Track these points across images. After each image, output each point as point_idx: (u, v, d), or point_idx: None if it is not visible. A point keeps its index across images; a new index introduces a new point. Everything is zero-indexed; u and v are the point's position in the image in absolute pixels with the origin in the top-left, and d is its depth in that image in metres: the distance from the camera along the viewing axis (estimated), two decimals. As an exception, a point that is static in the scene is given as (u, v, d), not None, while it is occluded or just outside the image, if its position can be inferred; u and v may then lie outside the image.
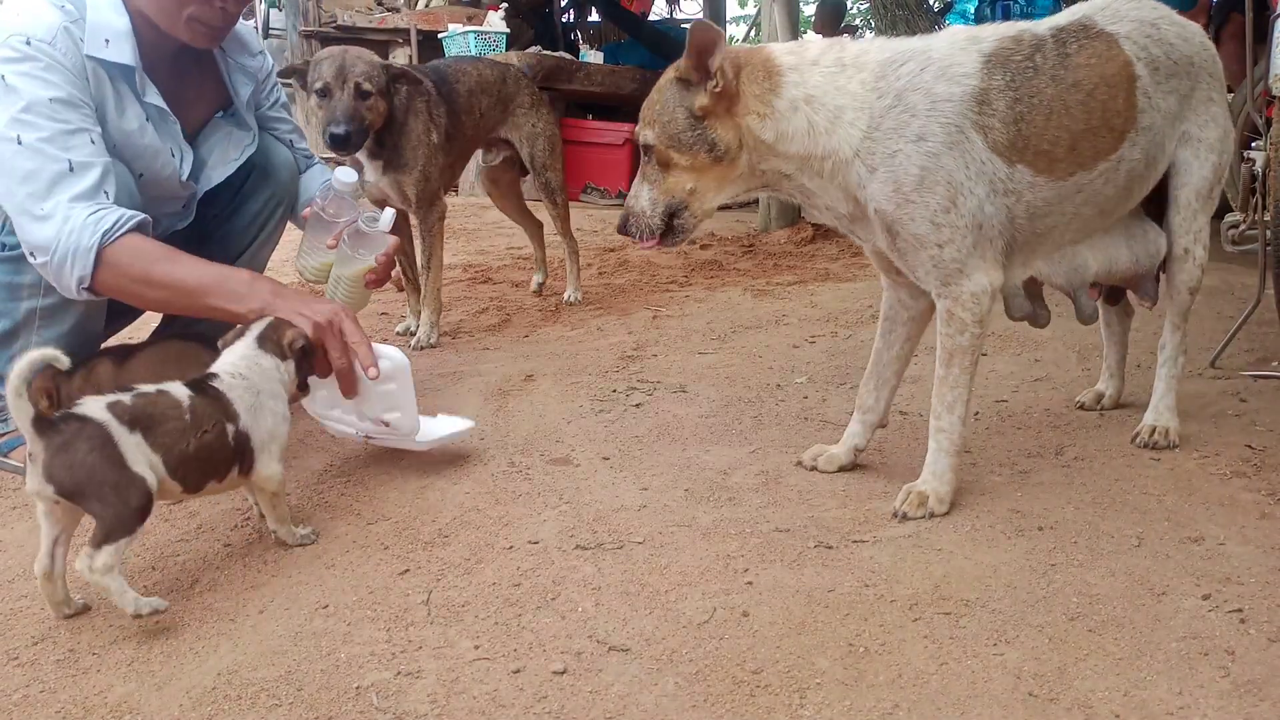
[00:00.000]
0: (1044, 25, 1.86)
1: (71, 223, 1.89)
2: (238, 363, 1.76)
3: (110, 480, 1.48)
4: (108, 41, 2.03)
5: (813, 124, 1.73)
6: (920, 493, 1.84)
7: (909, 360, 2.11)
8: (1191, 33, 1.98)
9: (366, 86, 2.90)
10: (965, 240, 1.75)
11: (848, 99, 1.73)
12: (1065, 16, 1.90)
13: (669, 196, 1.80)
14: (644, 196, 1.82)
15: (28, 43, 1.93)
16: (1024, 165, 1.77)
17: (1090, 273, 2.05)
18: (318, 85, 2.91)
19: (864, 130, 1.73)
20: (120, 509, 1.47)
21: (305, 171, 2.62)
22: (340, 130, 2.87)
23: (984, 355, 2.91)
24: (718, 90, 1.72)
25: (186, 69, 2.22)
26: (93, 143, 1.97)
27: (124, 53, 2.05)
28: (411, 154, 3.15)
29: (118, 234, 1.91)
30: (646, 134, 1.79)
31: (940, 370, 1.86)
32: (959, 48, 1.78)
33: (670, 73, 1.78)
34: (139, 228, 1.95)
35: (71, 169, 1.92)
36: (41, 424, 1.46)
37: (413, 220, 3.33)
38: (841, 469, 2.08)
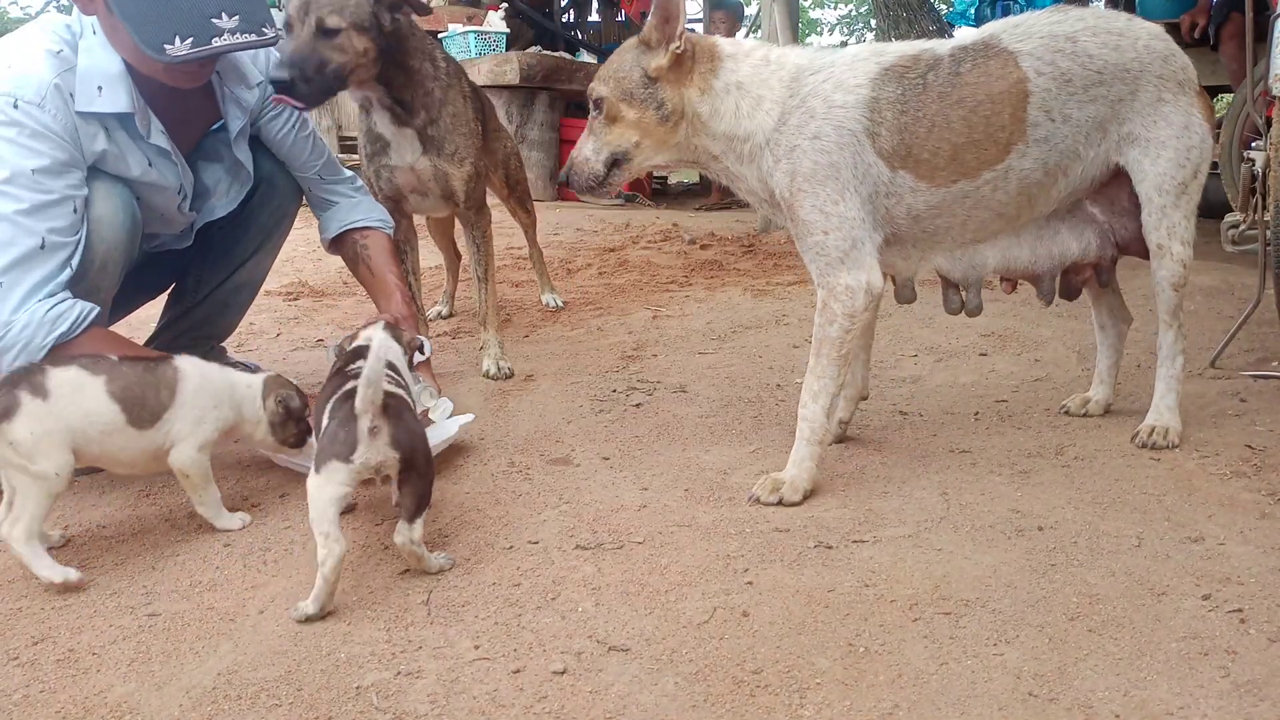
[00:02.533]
0: (947, 44, 2.02)
1: (28, 316, 1.88)
2: None
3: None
4: (100, 89, 1.99)
5: (739, 107, 1.95)
6: (775, 479, 1.94)
7: (872, 335, 2.29)
8: (1127, 40, 2.02)
9: (332, 21, 2.31)
10: (850, 232, 1.92)
11: (768, 91, 1.95)
12: (974, 34, 2.05)
13: (612, 147, 1.98)
14: (588, 147, 2.00)
15: (15, 105, 1.90)
16: (906, 171, 1.95)
17: (987, 269, 2.16)
18: (282, 23, 2.33)
19: (775, 121, 1.94)
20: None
21: (330, 209, 2.54)
22: (281, 74, 2.26)
23: (983, 355, 2.91)
24: (678, 52, 1.91)
25: (191, 91, 2.15)
26: (75, 211, 1.95)
27: (119, 99, 2.01)
28: (458, 138, 2.71)
29: (73, 335, 1.91)
30: (600, 89, 1.97)
31: (810, 360, 1.98)
32: (859, 61, 1.98)
33: (633, 39, 1.98)
34: (96, 322, 1.95)
35: (43, 246, 1.90)
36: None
37: (416, 220, 3.14)
38: (835, 441, 2.22)
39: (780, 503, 1.90)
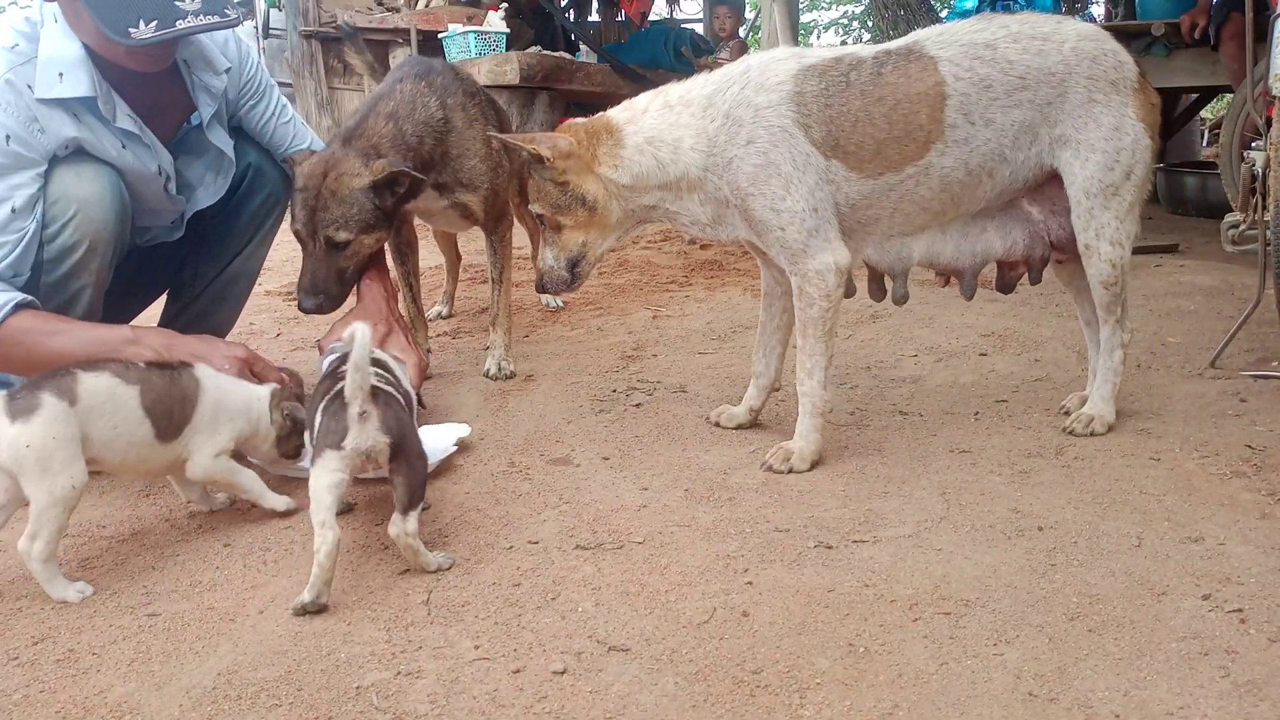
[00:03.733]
0: (871, 49, 2.11)
1: None
2: None
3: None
4: (61, 75, 1.98)
5: (659, 159, 2.05)
6: (786, 449, 2.07)
7: (790, 329, 2.31)
8: (1052, 44, 2.05)
9: (341, 236, 2.32)
10: (804, 223, 2.01)
11: (684, 130, 2.05)
12: (899, 41, 2.13)
13: (567, 253, 2.14)
14: (549, 256, 2.16)
15: None
16: (838, 161, 2.03)
17: (913, 261, 2.22)
18: (293, 228, 2.39)
19: (704, 154, 2.04)
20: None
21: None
22: (309, 304, 2.36)
23: (983, 355, 2.91)
24: (559, 155, 2.04)
25: (155, 76, 2.13)
26: (13, 211, 1.94)
27: (80, 84, 2.00)
28: (473, 173, 2.70)
29: None
30: (536, 208, 2.13)
31: (799, 341, 2.10)
32: (778, 61, 2.07)
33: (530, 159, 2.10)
34: (21, 307, 1.93)
35: None
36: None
37: (417, 220, 3.09)
38: (740, 426, 2.36)
39: (791, 471, 2.03)
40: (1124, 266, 2.14)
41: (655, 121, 2.06)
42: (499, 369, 2.84)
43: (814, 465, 2.06)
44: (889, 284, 2.28)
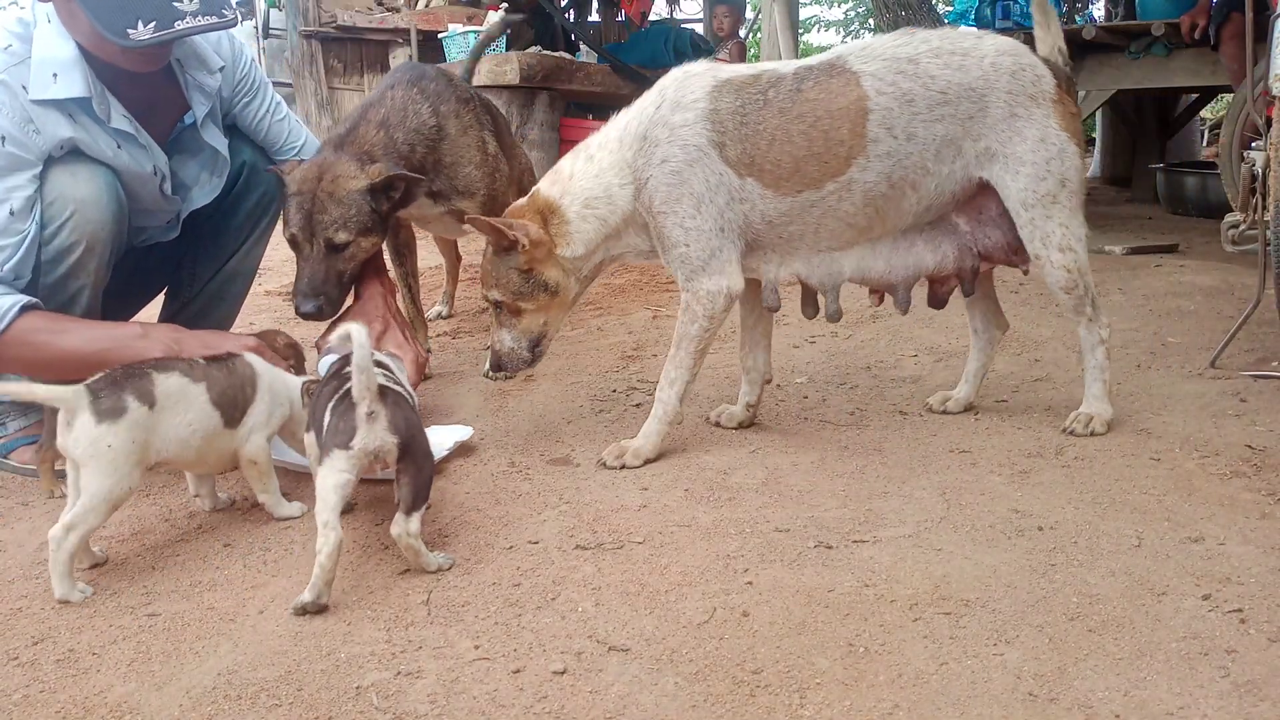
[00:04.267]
0: (791, 65, 2.12)
1: None
2: None
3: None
4: (55, 76, 1.98)
5: (600, 217, 2.10)
6: (623, 446, 2.14)
7: (771, 326, 2.42)
8: (972, 59, 2.07)
9: (340, 238, 2.31)
10: (709, 242, 2.06)
11: (608, 175, 2.09)
12: (820, 56, 2.15)
13: (528, 335, 2.18)
14: (508, 339, 2.19)
15: None
16: (753, 179, 2.06)
17: (843, 277, 2.23)
18: (287, 234, 2.37)
19: (632, 185, 2.08)
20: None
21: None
22: (308, 307, 2.36)
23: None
24: (526, 249, 2.06)
25: (149, 76, 2.13)
26: (11, 214, 1.93)
27: (74, 84, 1.99)
28: (469, 179, 2.68)
29: (2, 325, 1.90)
30: (495, 294, 2.15)
31: (671, 351, 2.17)
32: (694, 77, 2.09)
33: (490, 248, 2.12)
34: (26, 309, 1.93)
35: None
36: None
37: (417, 232, 3.07)
38: (740, 425, 2.37)
39: (623, 466, 2.09)
40: (1080, 269, 2.15)
41: (584, 182, 2.09)
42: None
43: (647, 463, 2.11)
44: (822, 301, 2.27)
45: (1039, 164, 2.08)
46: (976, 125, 2.08)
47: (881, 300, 2.33)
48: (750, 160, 2.05)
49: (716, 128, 2.03)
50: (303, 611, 1.52)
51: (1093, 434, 2.18)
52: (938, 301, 2.32)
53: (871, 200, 2.10)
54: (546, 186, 2.14)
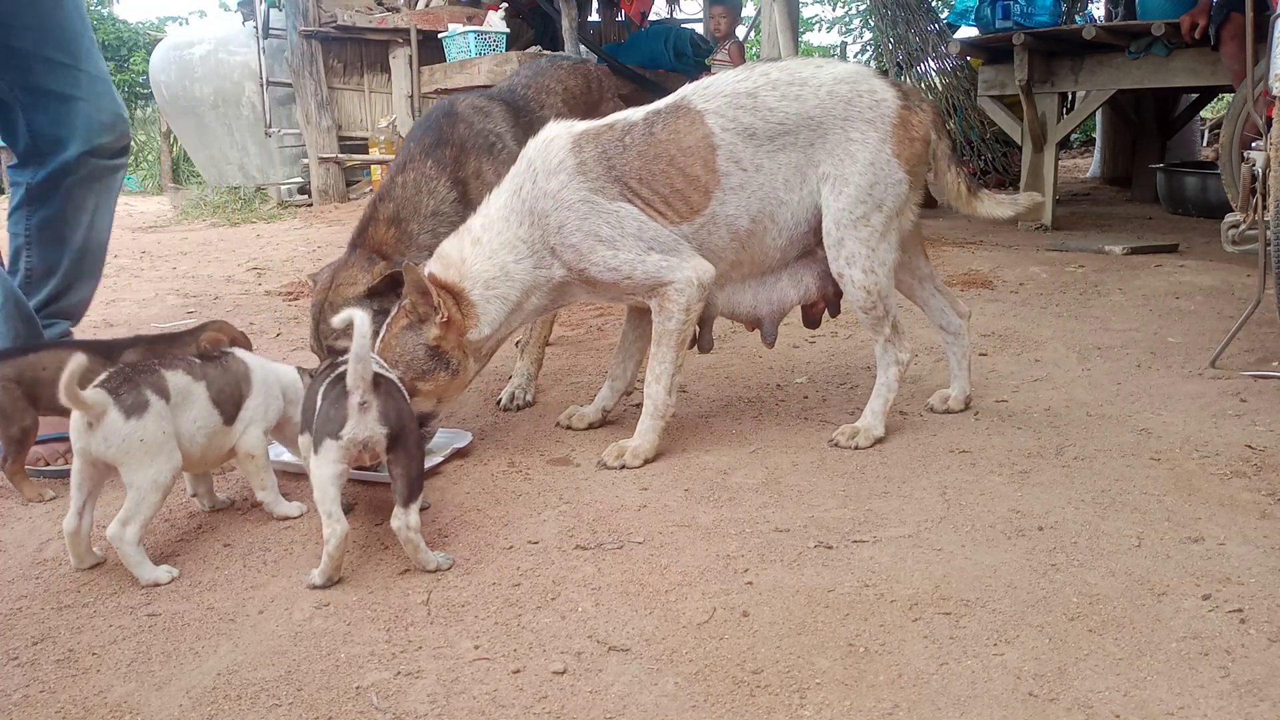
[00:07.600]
0: (641, 111, 2.18)
1: None
2: None
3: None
4: None
5: (501, 294, 2.10)
6: (622, 446, 2.15)
7: (648, 339, 2.34)
8: (809, 89, 2.12)
9: (342, 345, 2.06)
10: (644, 263, 2.08)
11: (502, 254, 2.08)
12: (667, 99, 2.19)
13: (420, 411, 2.05)
14: None
15: None
16: (639, 209, 2.10)
17: (715, 310, 2.29)
18: (310, 344, 2.31)
19: (529, 258, 2.10)
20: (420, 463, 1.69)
21: None
22: None
23: (983, 355, 2.91)
24: (444, 320, 2.04)
25: None
26: None
27: None
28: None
29: None
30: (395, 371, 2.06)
31: (653, 348, 2.18)
32: (550, 141, 2.12)
33: (400, 321, 2.06)
34: None
35: None
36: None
37: None
38: (591, 426, 2.40)
39: (624, 467, 2.11)
40: (880, 292, 2.16)
41: (478, 264, 2.08)
42: (510, 399, 2.61)
43: (647, 462, 2.12)
44: (697, 331, 2.28)
45: (863, 186, 2.11)
46: (817, 152, 2.13)
47: (753, 329, 2.36)
48: (634, 194, 2.09)
49: (589, 176, 2.07)
50: (313, 590, 1.59)
51: (856, 448, 2.18)
52: (811, 322, 2.39)
53: (736, 234, 2.15)
54: (439, 270, 2.08)
